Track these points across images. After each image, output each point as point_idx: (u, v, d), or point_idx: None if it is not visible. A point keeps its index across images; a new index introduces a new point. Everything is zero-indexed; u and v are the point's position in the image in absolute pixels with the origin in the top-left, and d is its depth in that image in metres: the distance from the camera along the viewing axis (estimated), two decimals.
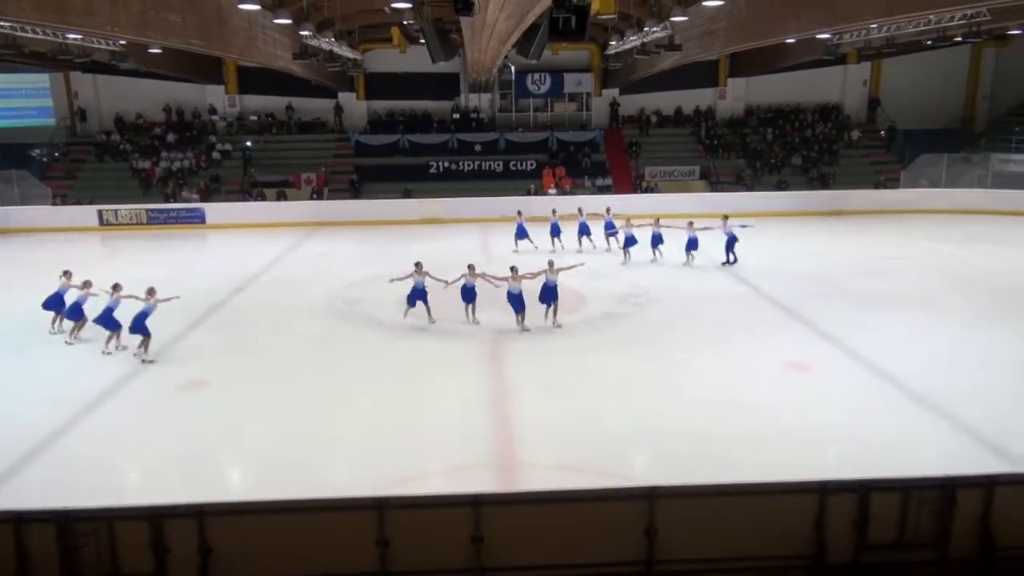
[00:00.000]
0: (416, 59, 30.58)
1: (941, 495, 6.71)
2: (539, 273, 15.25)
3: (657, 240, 20.68)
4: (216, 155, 31.81)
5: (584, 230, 22.25)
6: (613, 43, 24.95)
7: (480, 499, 6.44)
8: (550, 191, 29.67)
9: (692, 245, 19.95)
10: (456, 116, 33.53)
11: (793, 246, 23.17)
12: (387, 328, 15.42)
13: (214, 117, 33.48)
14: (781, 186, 30.22)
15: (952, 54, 31.86)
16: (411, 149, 31.90)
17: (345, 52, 26.15)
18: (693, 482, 6.78)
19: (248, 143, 31.98)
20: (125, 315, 13.56)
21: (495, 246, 23.99)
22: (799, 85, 33.59)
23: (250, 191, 29.95)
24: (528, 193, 29.42)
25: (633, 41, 22.17)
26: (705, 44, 23.33)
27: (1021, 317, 15.18)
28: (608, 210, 22.36)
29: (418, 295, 15.40)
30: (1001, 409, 10.86)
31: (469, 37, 20.70)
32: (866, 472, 6.98)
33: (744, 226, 18.44)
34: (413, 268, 15.55)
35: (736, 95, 34.29)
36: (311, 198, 29.72)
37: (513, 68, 32.65)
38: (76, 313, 14.30)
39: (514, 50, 23.06)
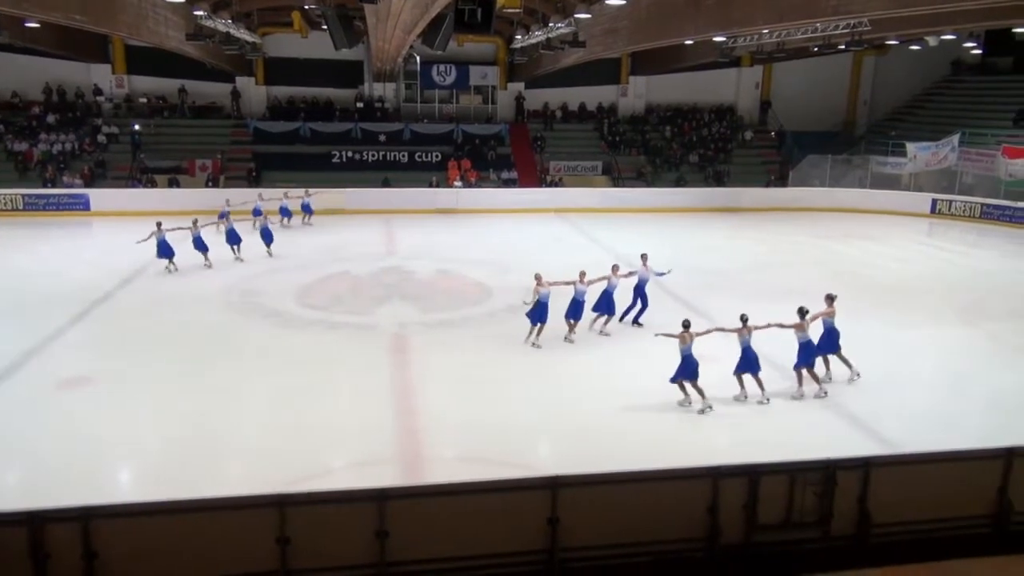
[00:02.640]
0: (318, 45, 29.88)
1: (823, 477, 7.13)
2: (602, 279, 14.24)
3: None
4: (102, 139, 30.04)
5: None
6: (519, 37, 25.09)
7: (384, 493, 6.38)
8: (455, 183, 29.61)
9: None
10: (360, 105, 32.92)
11: (691, 241, 23.98)
12: (286, 321, 15.03)
13: (99, 98, 31.58)
14: (680, 183, 31.22)
15: (836, 61, 33.67)
16: (313, 138, 31.11)
17: (243, 35, 25.21)
18: (594, 470, 6.93)
19: (137, 127, 30.36)
20: None
21: (400, 238, 23.77)
22: (696, 86, 34.75)
23: (139, 177, 28.47)
24: (432, 185, 29.27)
25: (538, 36, 22.37)
26: (608, 42, 23.80)
27: (892, 308, 16.26)
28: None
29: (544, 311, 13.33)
30: (875, 394, 11.63)
31: (373, 25, 20.37)
32: (755, 457, 7.32)
33: (661, 273, 14.98)
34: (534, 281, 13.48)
35: (637, 93, 35.14)
36: (206, 186, 28.53)
37: (419, 58, 32.33)
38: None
39: (419, 40, 22.83)
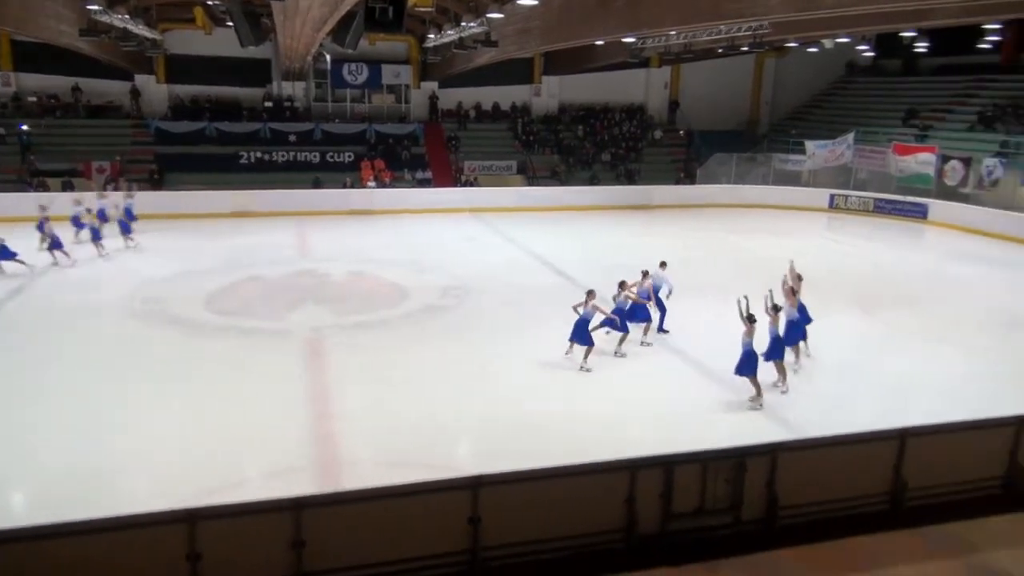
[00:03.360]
0: (223, 42, 28.94)
1: (734, 465, 7.39)
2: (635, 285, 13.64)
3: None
4: None
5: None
6: (431, 36, 24.99)
7: (301, 502, 6.25)
8: (369, 184, 29.24)
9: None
10: (268, 104, 32.06)
11: (606, 238, 24.42)
12: (194, 329, 14.52)
13: None
14: (593, 181, 31.75)
15: (740, 63, 34.95)
16: (219, 138, 30.10)
17: (142, 31, 24.19)
18: (515, 468, 6.97)
19: (24, 127, 28.66)
20: None
21: (313, 241, 23.29)
22: (608, 85, 35.41)
23: (29, 180, 26.90)
24: (346, 186, 28.81)
25: (451, 35, 22.34)
26: (520, 42, 23.98)
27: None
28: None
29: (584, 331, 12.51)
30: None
31: (281, 22, 19.89)
32: (670, 447, 7.52)
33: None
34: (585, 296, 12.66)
35: (550, 93, 35.52)
36: (104, 188, 27.19)
37: (329, 57, 31.74)
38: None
39: (329, 38, 22.43)
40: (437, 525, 6.64)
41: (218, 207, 26.04)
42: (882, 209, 28.68)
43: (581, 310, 12.62)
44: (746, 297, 11.68)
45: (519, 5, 19.32)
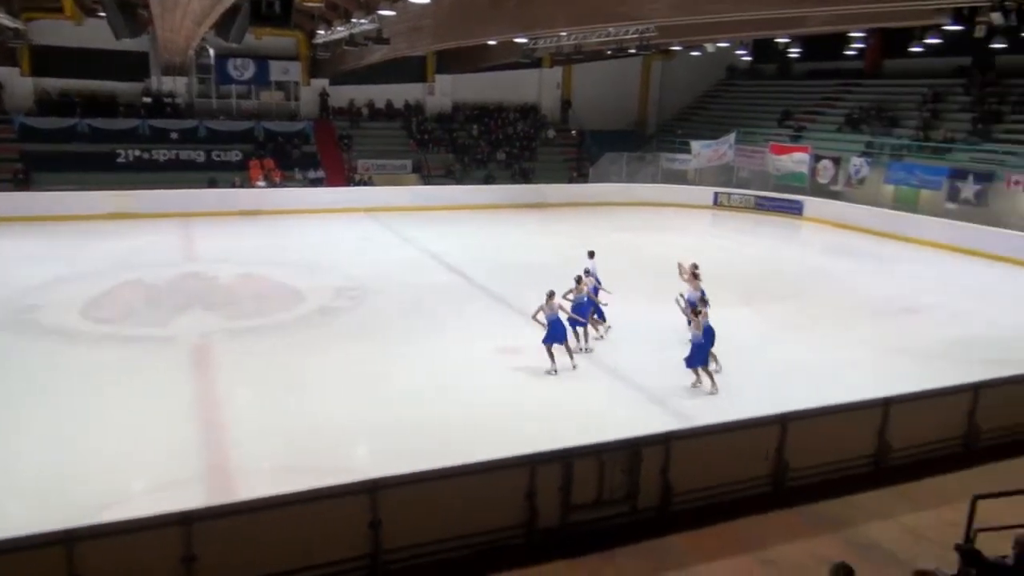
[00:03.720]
0: (96, 33, 27.24)
1: (630, 455, 7.63)
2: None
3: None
4: None
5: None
6: (321, 32, 24.37)
7: (190, 516, 6.01)
8: (258, 183, 28.29)
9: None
10: (147, 100, 30.43)
11: (502, 236, 24.61)
12: (71, 338, 13.68)
13: None
14: (488, 180, 31.91)
15: (629, 64, 35.95)
16: (93, 135, 28.31)
17: (3, 19, 22.49)
18: (415, 469, 6.94)
19: None
20: None
21: (200, 242, 22.35)
22: (501, 85, 35.64)
23: None
24: (234, 185, 27.77)
25: (341, 32, 21.88)
26: (413, 40, 23.80)
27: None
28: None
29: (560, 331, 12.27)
30: (672, 373, 12.56)
31: (159, 14, 18.98)
32: (570, 442, 7.67)
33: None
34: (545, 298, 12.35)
35: (444, 91, 35.41)
36: None
37: (212, 51, 30.48)
38: None
39: (212, 32, 21.55)
40: (336, 531, 6.55)
41: (96, 208, 24.62)
42: (762, 206, 30.15)
43: (542, 316, 12.35)
44: (682, 295, 12.10)
45: (411, 3, 19.15)
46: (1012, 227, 22.91)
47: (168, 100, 30.83)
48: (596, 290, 14.54)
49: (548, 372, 12.38)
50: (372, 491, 6.59)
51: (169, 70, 30.28)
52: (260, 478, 9.12)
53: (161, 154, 28.68)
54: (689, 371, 11.91)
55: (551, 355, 12.41)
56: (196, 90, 31.79)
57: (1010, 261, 21.70)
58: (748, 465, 8.23)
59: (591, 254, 15.22)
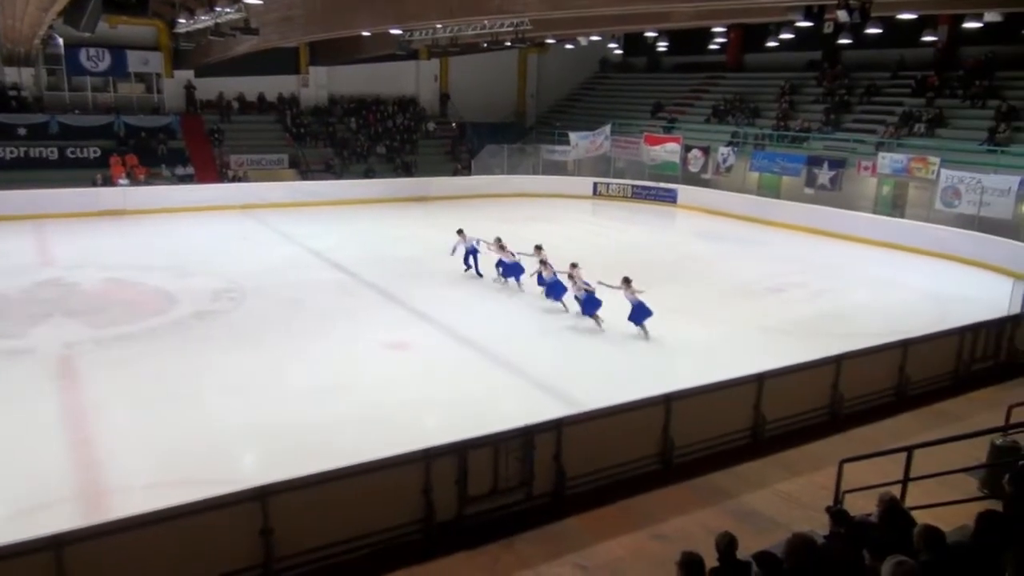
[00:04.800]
0: None
1: (523, 443, 7.71)
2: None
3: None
4: None
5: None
6: (182, 21, 23.13)
7: (60, 539, 5.59)
8: (120, 181, 26.59)
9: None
10: None
11: (385, 231, 24.26)
12: None
13: None
14: (369, 174, 31.36)
15: (505, 57, 36.19)
16: None
17: None
18: (305, 472, 6.75)
19: None
20: None
21: (57, 247, 20.79)
22: (379, 77, 35.08)
23: None
24: (95, 184, 25.98)
25: (205, 21, 20.82)
26: (283, 31, 23.02)
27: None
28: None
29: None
30: (562, 363, 12.88)
31: None
32: (463, 433, 7.67)
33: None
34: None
35: (319, 83, 34.47)
36: None
37: (61, 40, 28.31)
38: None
39: (61, 19, 19.99)
40: (225, 543, 6.28)
41: None
42: (639, 195, 31.17)
43: (574, 289, 14.63)
44: (599, 282, 14.24)
45: None
46: (862, 209, 24.80)
47: (13, 93, 28.44)
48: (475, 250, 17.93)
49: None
50: (261, 498, 6.35)
51: (13, 61, 27.95)
52: (138, 495, 8.58)
53: (7, 152, 26.47)
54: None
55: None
56: (45, 82, 29.47)
57: (861, 241, 23.45)
58: (638, 445, 8.51)
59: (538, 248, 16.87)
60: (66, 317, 14.68)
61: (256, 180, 29.02)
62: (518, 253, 17.03)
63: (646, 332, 14.09)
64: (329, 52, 32.62)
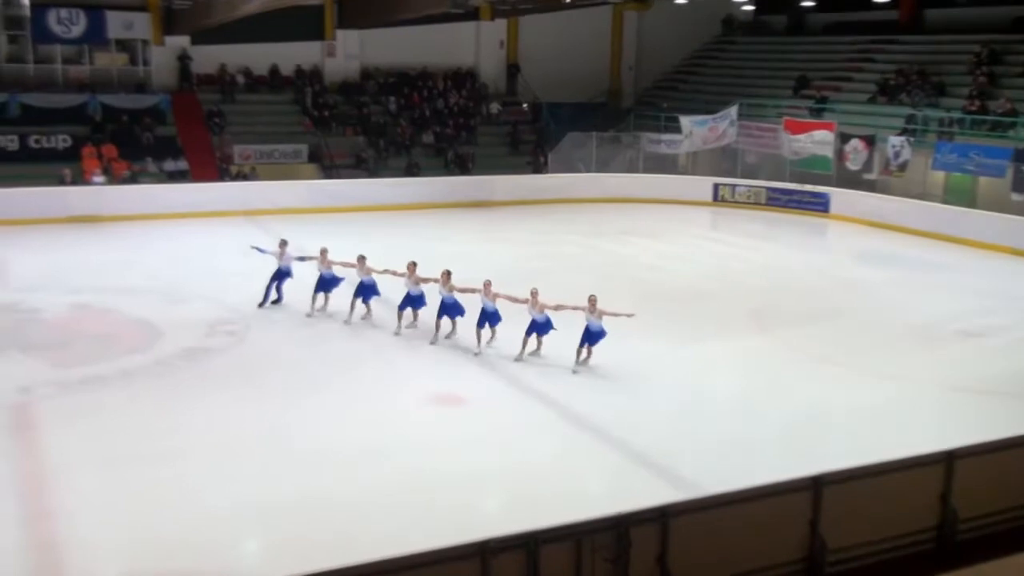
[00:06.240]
0: None
1: (615, 537, 7.61)
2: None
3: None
4: None
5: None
6: None
7: None
8: (95, 179, 27.71)
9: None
10: None
11: (432, 246, 24.46)
12: None
13: None
14: (412, 171, 31.84)
15: (594, 16, 36.47)
16: None
17: None
18: (326, 567, 6.80)
19: None
20: None
21: (13, 262, 21.74)
22: (426, 44, 35.64)
23: None
24: (63, 182, 27.14)
25: None
26: None
27: (677, 319, 17.89)
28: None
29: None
30: (663, 426, 12.73)
31: None
32: (531, 520, 7.61)
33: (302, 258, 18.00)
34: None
35: (349, 53, 35.29)
36: None
37: (27, 1, 29.86)
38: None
39: None
40: None
41: None
42: (776, 201, 30.78)
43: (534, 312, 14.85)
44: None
45: None
46: None
47: None
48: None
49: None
50: None
51: None
52: None
53: None
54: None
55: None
56: (5, 52, 31.09)
57: None
58: (773, 545, 8.29)
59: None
60: (22, 353, 15.26)
61: (266, 178, 29.83)
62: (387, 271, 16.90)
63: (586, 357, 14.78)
64: (362, 11, 33.43)
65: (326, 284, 17.41)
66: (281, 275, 17.88)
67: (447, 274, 15.76)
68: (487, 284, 15.32)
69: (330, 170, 31.33)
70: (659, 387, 14.29)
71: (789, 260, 24.80)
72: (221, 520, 10.06)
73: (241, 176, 29.81)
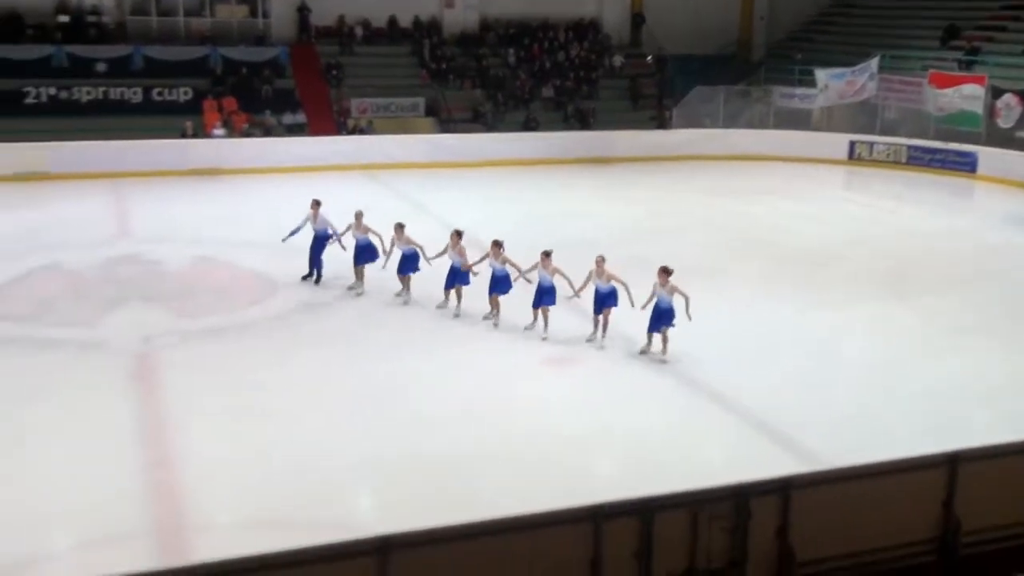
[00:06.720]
0: None
1: (733, 508, 7.56)
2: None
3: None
4: None
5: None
6: None
7: None
8: (215, 132, 28.60)
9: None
10: (64, 19, 30.96)
11: (551, 204, 24.52)
12: None
13: None
14: (531, 125, 31.84)
15: None
16: None
17: None
18: (435, 524, 6.97)
19: None
20: None
21: (136, 214, 22.70)
22: None
23: None
24: (184, 135, 28.12)
25: None
26: None
27: (806, 283, 17.54)
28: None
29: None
30: (787, 395, 12.49)
31: None
32: (646, 485, 7.63)
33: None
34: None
35: (468, 3, 35.40)
36: None
37: None
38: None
39: None
40: None
41: None
42: (918, 160, 29.73)
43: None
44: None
45: None
46: None
47: (92, 20, 31.30)
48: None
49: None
50: (381, 552, 6.63)
51: None
52: (221, 534, 9.25)
53: (84, 93, 29.16)
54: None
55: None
56: (129, 6, 32.22)
57: None
58: (903, 524, 8.12)
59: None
60: (145, 303, 15.99)
61: (383, 132, 30.26)
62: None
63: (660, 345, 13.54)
64: None
65: (364, 254, 16.44)
66: (320, 241, 17.00)
67: (497, 244, 14.94)
68: (545, 255, 14.45)
69: (447, 124, 31.57)
70: (785, 354, 14.05)
71: (930, 223, 23.95)
72: (334, 473, 10.39)
73: (358, 130, 30.30)
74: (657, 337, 13.43)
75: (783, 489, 7.75)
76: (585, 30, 36.34)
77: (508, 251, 14.92)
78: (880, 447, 9.68)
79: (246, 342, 14.29)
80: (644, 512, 7.34)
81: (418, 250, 15.76)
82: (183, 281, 17.45)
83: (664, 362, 13.28)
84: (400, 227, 15.83)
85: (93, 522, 9.27)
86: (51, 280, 17.17)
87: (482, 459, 10.62)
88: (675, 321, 13.24)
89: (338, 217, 16.79)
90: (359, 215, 16.46)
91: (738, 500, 7.58)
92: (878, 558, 8.03)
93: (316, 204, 17.05)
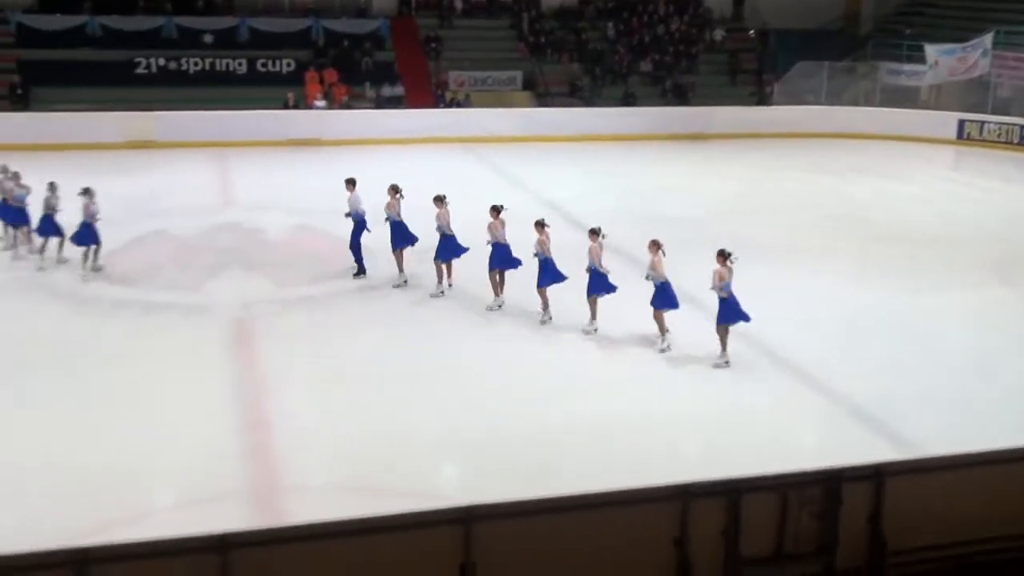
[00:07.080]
0: None
1: (823, 493, 7.44)
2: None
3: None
4: None
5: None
6: None
7: (228, 540, 6.30)
8: (316, 103, 29.06)
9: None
10: None
11: (647, 179, 24.34)
12: (82, 304, 14.67)
13: None
14: (629, 100, 31.60)
15: None
16: (105, 38, 29.81)
17: None
18: (520, 497, 7.02)
19: None
20: None
21: (240, 183, 23.23)
22: None
23: None
24: (287, 106, 28.64)
25: None
26: None
27: (909, 265, 17.06)
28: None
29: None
30: (885, 380, 12.22)
31: None
32: (734, 467, 7.57)
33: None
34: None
35: None
36: None
37: None
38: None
39: None
40: (419, 571, 6.71)
41: (107, 135, 25.98)
42: None
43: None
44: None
45: None
46: None
47: None
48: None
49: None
50: (465, 522, 6.71)
51: None
52: (313, 496, 9.51)
53: (192, 63, 29.91)
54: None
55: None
56: None
57: None
58: (1000, 516, 7.89)
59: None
60: (246, 270, 16.43)
61: (480, 105, 30.37)
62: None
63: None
64: None
65: (401, 234, 15.80)
66: (357, 227, 16.19)
67: (540, 225, 14.35)
68: (593, 234, 13.79)
69: (544, 98, 31.52)
70: (882, 338, 13.72)
71: None
72: (419, 444, 10.55)
73: (455, 103, 30.45)
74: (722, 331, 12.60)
75: (876, 475, 7.59)
76: (686, 3, 35.86)
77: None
78: (978, 438, 9.40)
79: (339, 311, 14.61)
80: (732, 493, 7.27)
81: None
82: (283, 250, 17.87)
83: (718, 366, 12.53)
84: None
85: (193, 479, 9.61)
86: (158, 246, 17.75)
87: (564, 436, 10.65)
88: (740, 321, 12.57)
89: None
90: (394, 190, 15.74)
91: (829, 485, 7.46)
92: (975, 550, 7.82)
93: (349, 184, 16.21)
